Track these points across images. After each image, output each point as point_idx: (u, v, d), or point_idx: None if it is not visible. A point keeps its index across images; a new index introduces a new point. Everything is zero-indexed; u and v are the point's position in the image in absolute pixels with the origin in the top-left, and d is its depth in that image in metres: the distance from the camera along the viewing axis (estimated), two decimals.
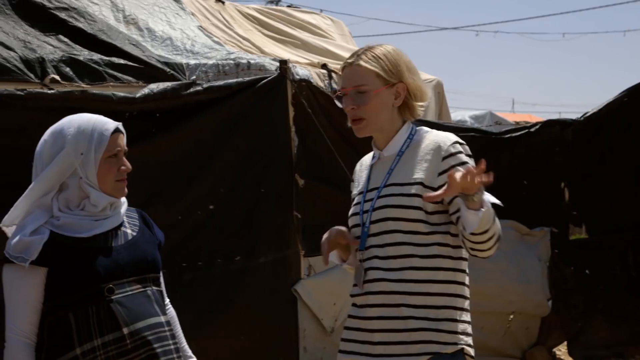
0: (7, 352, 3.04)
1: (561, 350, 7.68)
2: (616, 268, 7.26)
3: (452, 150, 3.15)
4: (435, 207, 3.14)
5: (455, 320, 3.14)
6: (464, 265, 3.22)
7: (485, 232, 3.02)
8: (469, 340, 3.17)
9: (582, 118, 7.38)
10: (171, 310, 3.34)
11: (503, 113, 24.80)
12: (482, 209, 2.96)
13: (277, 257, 6.23)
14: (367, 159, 3.42)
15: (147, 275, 3.15)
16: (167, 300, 3.33)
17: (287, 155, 6.22)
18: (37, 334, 3.05)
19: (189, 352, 3.36)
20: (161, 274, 3.27)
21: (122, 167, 3.14)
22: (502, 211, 6.83)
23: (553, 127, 7.35)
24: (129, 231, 3.18)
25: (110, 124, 3.13)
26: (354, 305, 3.24)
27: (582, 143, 7.29)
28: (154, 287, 3.16)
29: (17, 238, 3.03)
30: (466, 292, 3.20)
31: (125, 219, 3.20)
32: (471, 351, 3.17)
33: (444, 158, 3.14)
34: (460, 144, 3.18)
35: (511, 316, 7.20)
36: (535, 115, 29.15)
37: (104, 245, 3.08)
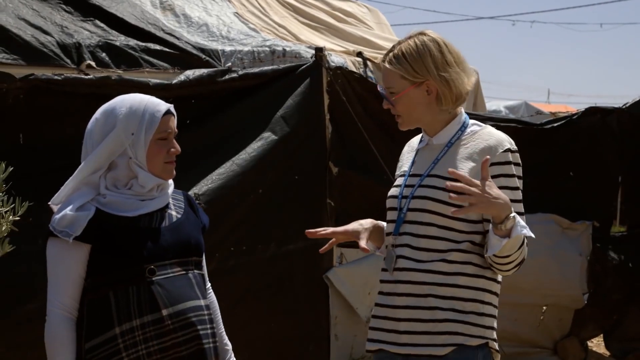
0: (47, 325, 3.06)
1: (593, 342, 7.64)
2: None
3: (502, 159, 3.11)
4: None
5: (482, 314, 3.14)
6: None
7: (506, 257, 3.05)
8: (494, 334, 3.18)
9: (624, 107, 7.18)
10: (212, 295, 3.34)
11: (538, 103, 24.70)
12: (508, 238, 2.99)
13: (310, 244, 6.22)
14: (415, 140, 3.38)
15: (190, 259, 3.15)
16: (209, 285, 3.33)
17: (321, 143, 6.23)
18: (78, 310, 3.06)
19: (226, 339, 3.36)
20: (204, 257, 3.28)
21: (172, 150, 3.14)
22: (544, 204, 6.75)
23: (594, 116, 7.15)
24: (174, 213, 3.17)
25: (162, 105, 3.14)
26: (381, 292, 3.24)
27: (625, 133, 7.12)
28: (195, 271, 3.16)
29: (62, 213, 3.04)
30: (495, 287, 3.19)
31: (170, 200, 3.20)
32: (495, 345, 3.18)
33: (492, 164, 3.09)
34: (512, 151, 3.14)
35: (544, 308, 7.16)
36: (570, 105, 29.01)
37: (148, 225, 3.09)
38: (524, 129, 6.94)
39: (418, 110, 3.19)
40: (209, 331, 3.12)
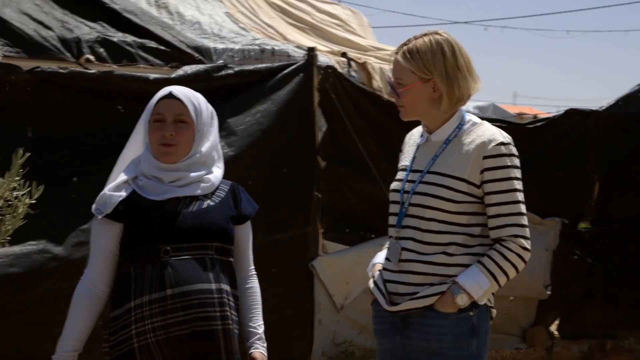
0: (74, 292, 3.31)
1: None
2: (617, 257, 7.44)
3: (495, 152, 3.25)
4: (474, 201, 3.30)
5: None
6: None
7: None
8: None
9: (601, 109, 7.39)
10: (251, 283, 3.46)
11: (505, 105, 25.00)
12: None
13: (297, 233, 6.45)
14: (417, 133, 3.49)
15: (210, 243, 3.27)
16: (251, 273, 3.46)
17: (311, 139, 6.46)
18: (107, 283, 3.30)
19: (257, 323, 3.41)
20: (249, 245, 3.44)
21: (165, 133, 3.28)
22: None
23: (573, 117, 7.36)
24: (207, 201, 3.34)
25: (164, 90, 3.32)
26: (386, 280, 3.38)
27: (602, 134, 7.36)
28: (215, 256, 3.28)
29: (103, 192, 3.30)
30: None
31: (208, 190, 3.35)
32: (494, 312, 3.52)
33: (485, 157, 3.24)
34: (505, 144, 3.26)
35: (511, 298, 7.47)
36: (535, 107, 29.41)
37: (173, 209, 3.26)
38: (507, 128, 7.14)
39: (422, 104, 3.34)
40: (218, 314, 3.21)
